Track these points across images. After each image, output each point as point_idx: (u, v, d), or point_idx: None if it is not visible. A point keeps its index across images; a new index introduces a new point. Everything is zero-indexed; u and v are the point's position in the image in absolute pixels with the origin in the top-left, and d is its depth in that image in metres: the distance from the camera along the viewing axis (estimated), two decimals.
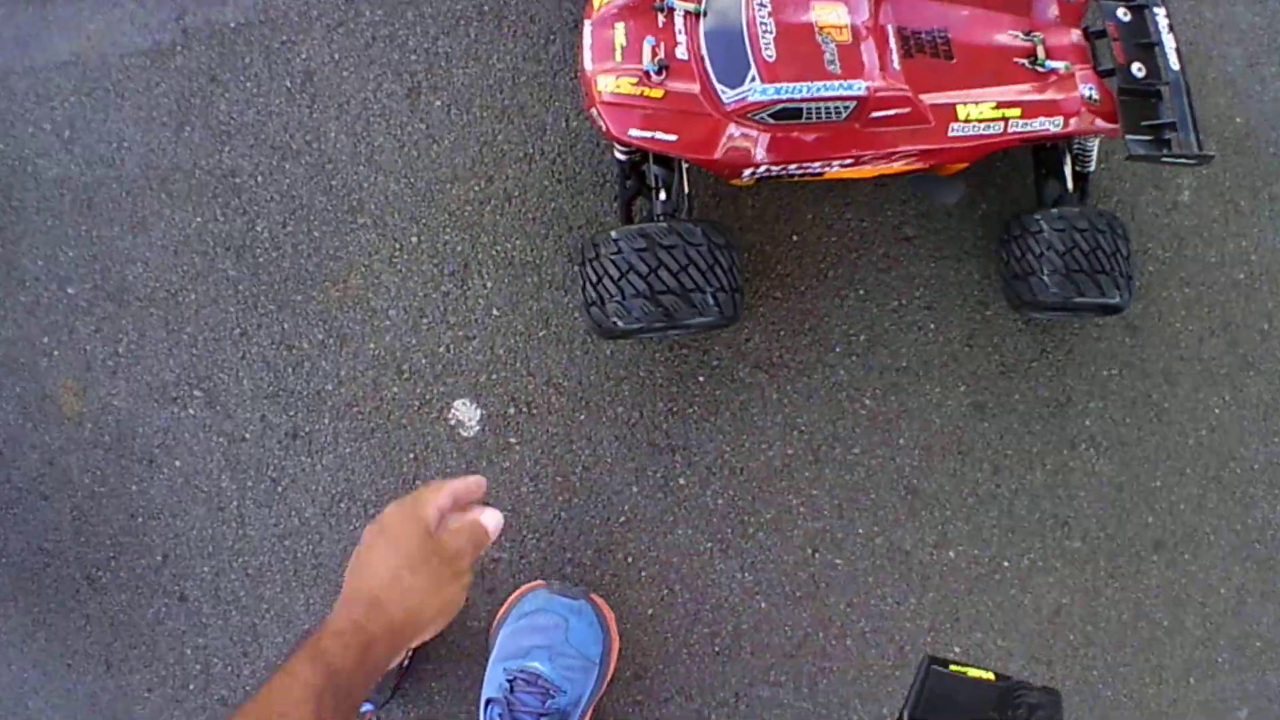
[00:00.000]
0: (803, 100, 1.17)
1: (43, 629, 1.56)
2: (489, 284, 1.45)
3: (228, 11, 1.57)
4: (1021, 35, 1.32)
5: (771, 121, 1.19)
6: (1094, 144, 1.40)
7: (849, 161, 1.28)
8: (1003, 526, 1.39)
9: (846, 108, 1.19)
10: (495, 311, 1.44)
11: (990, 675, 0.80)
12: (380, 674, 0.80)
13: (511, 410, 1.45)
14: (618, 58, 1.19)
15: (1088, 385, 1.46)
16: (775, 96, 1.15)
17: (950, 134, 1.26)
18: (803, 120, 1.20)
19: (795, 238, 1.48)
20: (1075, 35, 1.34)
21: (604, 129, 1.19)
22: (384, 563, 0.85)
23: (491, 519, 1.00)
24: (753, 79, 1.15)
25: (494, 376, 1.44)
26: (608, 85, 1.18)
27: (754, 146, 1.21)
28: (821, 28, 1.17)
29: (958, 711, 0.75)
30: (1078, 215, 1.31)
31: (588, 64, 1.20)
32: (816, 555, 1.40)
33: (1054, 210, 1.33)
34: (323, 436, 1.45)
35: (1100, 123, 1.30)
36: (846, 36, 1.18)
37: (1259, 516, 1.46)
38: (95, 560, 1.54)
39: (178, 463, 1.52)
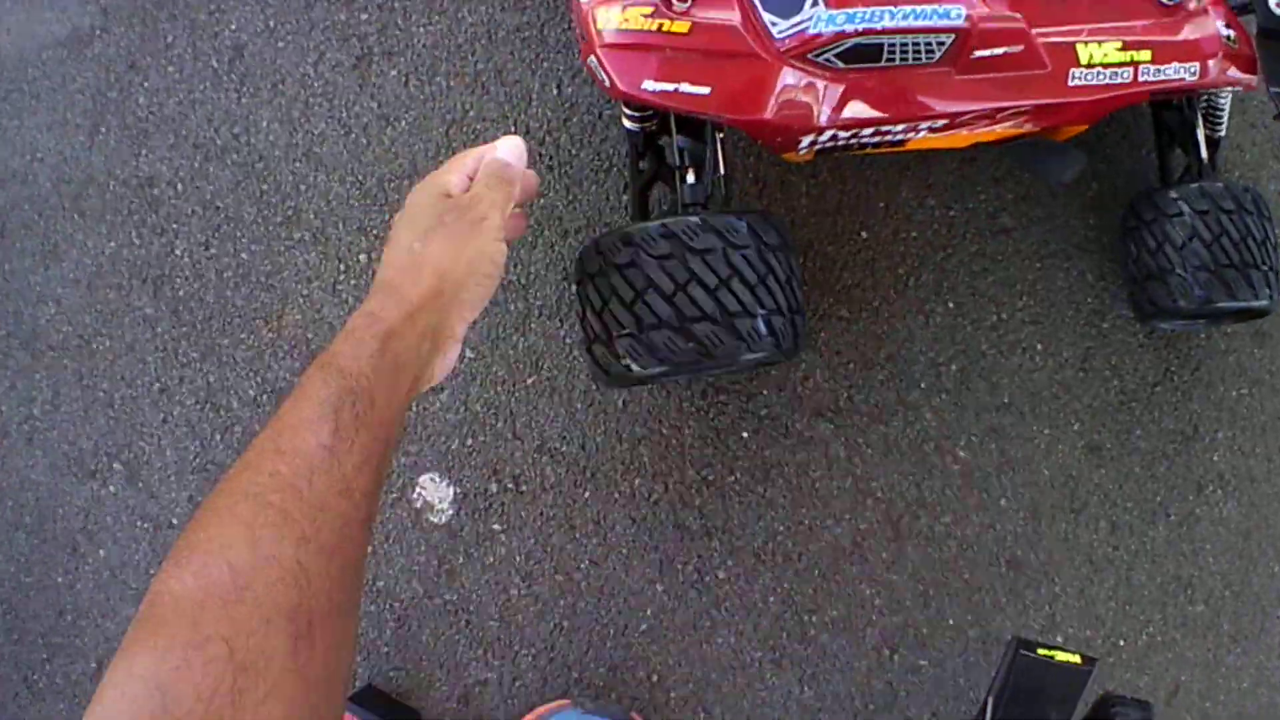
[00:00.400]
0: (885, 32, 0.81)
1: None
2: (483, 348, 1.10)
3: None
4: None
5: (841, 65, 0.85)
6: (1227, 100, 1.08)
7: (941, 124, 0.92)
8: (1119, 598, 1.17)
9: (941, 44, 0.85)
10: (469, 353, 1.09)
11: (1078, 658, 0.77)
12: (413, 373, 0.62)
13: (493, 487, 1.09)
14: None
15: (1215, 410, 1.17)
16: (847, 27, 0.82)
17: (1071, 82, 0.93)
18: (883, 63, 0.86)
19: (864, 235, 1.11)
20: None
21: (607, 83, 0.84)
22: (399, 244, 0.68)
23: (504, 145, 0.73)
24: (815, 2, 0.82)
25: (470, 443, 1.09)
26: (612, 19, 0.83)
27: (817, 102, 0.85)
28: None
29: (1045, 700, 0.74)
30: (1222, 192, 1.00)
31: None
32: (895, 658, 1.06)
33: (1194, 186, 1.02)
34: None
35: (1235, 72, 0.99)
36: None
37: None
38: (30, 662, 1.32)
39: (102, 552, 1.26)
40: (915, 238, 1.11)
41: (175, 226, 1.20)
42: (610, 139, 1.09)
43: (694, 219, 0.84)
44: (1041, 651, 0.77)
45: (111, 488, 1.25)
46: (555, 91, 1.11)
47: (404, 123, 1.13)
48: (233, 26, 1.20)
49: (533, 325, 1.08)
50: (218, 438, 1.19)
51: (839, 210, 1.10)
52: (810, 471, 1.09)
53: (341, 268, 1.13)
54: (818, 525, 1.09)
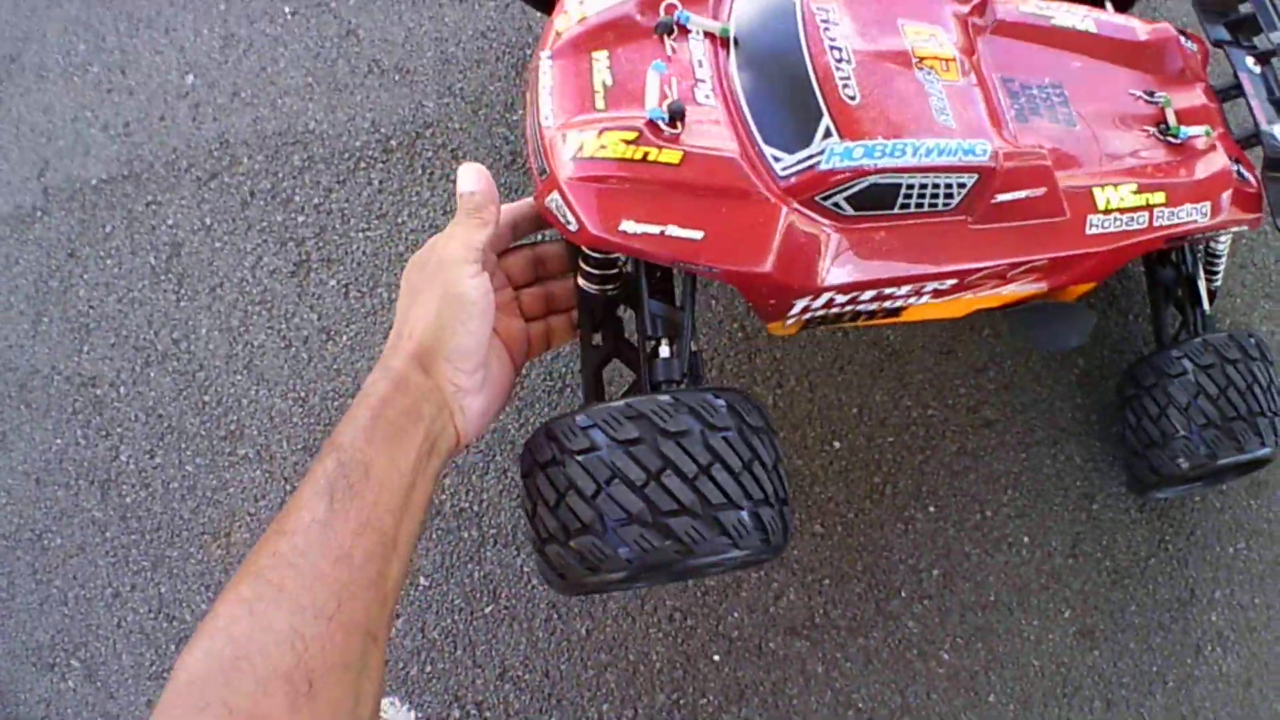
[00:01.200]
0: (907, 169, 0.72)
1: None
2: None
3: (91, 165, 1.21)
4: (1145, 95, 0.90)
5: (850, 211, 0.73)
6: (1226, 245, 1.03)
7: (949, 284, 0.83)
8: None
9: (963, 187, 0.74)
10: (424, 580, 1.04)
11: None
12: (421, 435, 0.64)
13: (456, 713, 1.05)
14: (599, 103, 0.71)
15: (1211, 571, 1.13)
16: (865, 162, 0.70)
17: (1089, 231, 0.84)
18: (897, 209, 0.75)
19: (837, 444, 1.05)
20: (1201, 92, 0.94)
21: (574, 225, 0.69)
22: (396, 320, 0.70)
23: (462, 173, 0.71)
24: (827, 133, 0.70)
25: (429, 669, 1.05)
26: (585, 146, 0.69)
27: (821, 255, 0.74)
28: (921, 58, 0.75)
29: None
30: (1226, 342, 0.94)
31: (547, 117, 0.72)
32: None
33: (1197, 341, 0.95)
34: None
35: (1238, 211, 0.92)
36: (955, 75, 0.75)
37: None
38: None
39: None
40: (892, 443, 1.05)
41: (120, 430, 1.15)
42: (562, 355, 1.03)
43: (665, 398, 0.69)
44: None
45: (70, 682, 1.21)
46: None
47: (345, 337, 1.07)
48: (169, 221, 1.15)
49: (488, 554, 1.03)
50: (173, 647, 1.15)
51: (809, 420, 1.04)
52: (786, 690, 1.04)
53: (288, 488, 1.08)
54: None
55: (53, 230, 1.22)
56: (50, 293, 1.21)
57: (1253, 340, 0.96)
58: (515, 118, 1.13)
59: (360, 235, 1.08)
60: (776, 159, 0.72)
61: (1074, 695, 1.10)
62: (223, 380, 1.10)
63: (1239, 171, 0.91)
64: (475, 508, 1.03)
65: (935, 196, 0.75)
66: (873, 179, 0.72)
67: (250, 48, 1.17)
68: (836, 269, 0.75)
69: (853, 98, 0.71)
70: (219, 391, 1.10)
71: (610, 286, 0.79)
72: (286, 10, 1.18)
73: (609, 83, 0.73)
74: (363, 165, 1.10)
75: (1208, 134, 0.91)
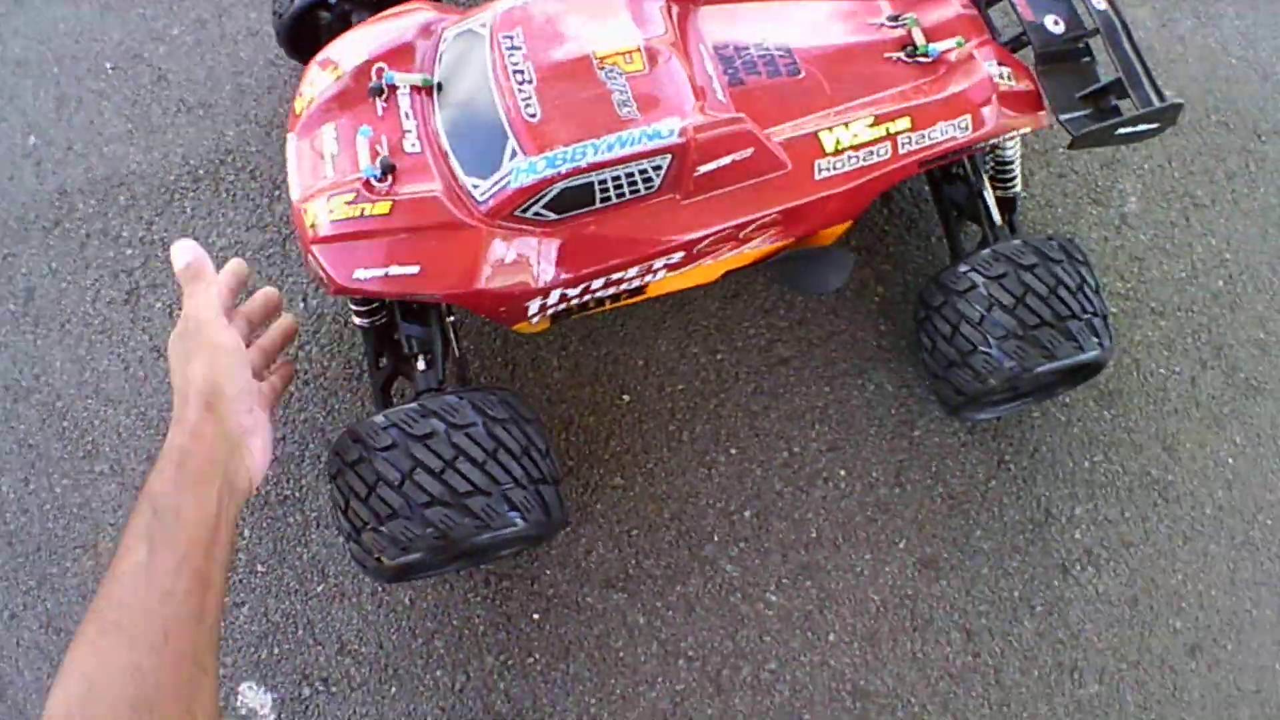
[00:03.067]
0: (591, 168, 0.78)
1: None
2: (247, 532, 1.12)
3: None
4: (888, 21, 0.93)
5: (553, 216, 0.81)
6: (1015, 151, 1.02)
7: (678, 257, 0.89)
8: (993, 702, 1.10)
9: (659, 169, 0.80)
10: (260, 567, 1.11)
11: None
12: (219, 478, 0.77)
13: (306, 690, 1.11)
14: (328, 171, 0.84)
15: (1068, 488, 1.12)
16: (548, 172, 0.78)
17: (818, 176, 0.88)
18: (598, 204, 0.82)
19: (627, 398, 1.09)
20: (958, 5, 0.95)
21: (324, 278, 0.83)
22: (173, 388, 0.85)
23: (173, 251, 0.90)
24: (514, 154, 0.78)
25: (276, 650, 1.11)
26: (321, 212, 0.82)
27: (535, 261, 0.83)
28: (602, 58, 0.80)
29: None
30: (1020, 249, 0.93)
31: (295, 191, 0.85)
32: None
33: (984, 252, 0.95)
34: None
35: (1014, 114, 0.93)
36: (640, 64, 0.80)
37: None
38: None
39: None
40: (683, 390, 1.09)
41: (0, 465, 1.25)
42: (356, 345, 1.10)
43: (411, 406, 0.83)
44: None
45: None
46: (301, 305, 1.13)
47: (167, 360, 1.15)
48: (24, 269, 1.25)
49: (312, 535, 1.09)
50: (63, 658, 1.22)
51: (596, 378, 1.09)
52: (611, 642, 1.08)
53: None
54: (631, 693, 1.08)
55: None
56: None
57: (1054, 243, 0.94)
58: None
59: None
60: (475, 186, 0.81)
61: (926, 627, 1.10)
62: (77, 406, 1.19)
63: (1004, 75, 0.92)
64: (296, 494, 1.10)
65: (634, 184, 0.81)
66: (562, 185, 0.79)
67: (80, 104, 1.28)
68: (550, 268, 0.83)
69: (533, 115, 0.78)
70: (75, 418, 1.19)
71: (377, 318, 0.94)
72: (108, 66, 1.29)
73: (335, 151, 0.84)
74: (177, 196, 1.20)
75: (959, 44, 0.93)
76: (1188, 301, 1.18)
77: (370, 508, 0.83)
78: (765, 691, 1.08)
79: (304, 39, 1.10)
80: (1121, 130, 0.89)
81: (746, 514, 1.09)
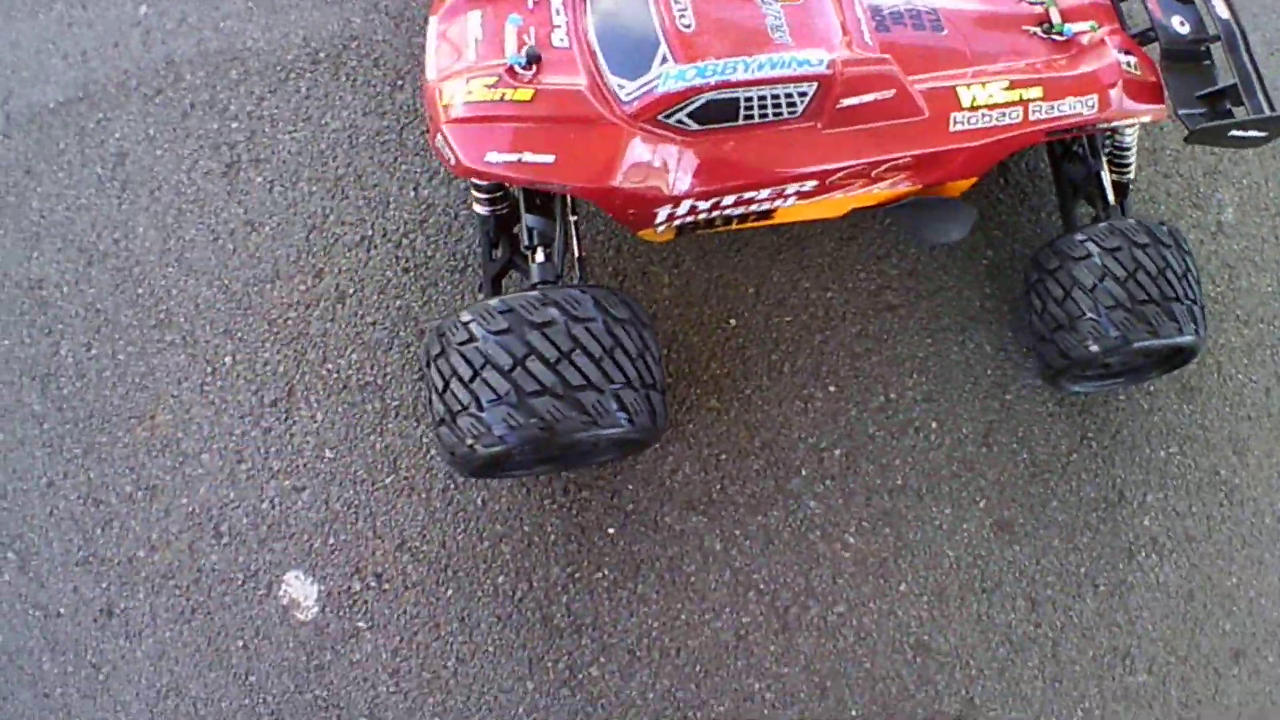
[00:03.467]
0: (740, 83, 0.81)
1: None
2: (319, 414, 1.09)
3: (49, 91, 1.30)
4: None
5: (695, 126, 0.84)
6: (1133, 138, 1.05)
7: (811, 186, 0.90)
8: (1047, 676, 1.12)
9: (804, 95, 0.83)
10: (329, 453, 1.08)
11: None
12: None
13: (356, 585, 1.07)
14: (471, 55, 0.85)
15: (1143, 474, 1.13)
16: (698, 81, 0.81)
17: (953, 128, 0.91)
18: (740, 120, 0.84)
19: (733, 322, 1.08)
20: None
21: (452, 159, 0.83)
22: None
23: None
24: (664, 59, 0.81)
25: (331, 541, 1.08)
26: (458, 93, 0.83)
27: (671, 168, 0.84)
28: None
29: None
30: (1135, 228, 0.97)
31: (431, 71, 0.86)
32: None
33: (1102, 225, 0.98)
34: (139, 615, 1.15)
35: (1134, 103, 0.96)
36: None
37: None
38: None
39: (1, 636, 1.23)
40: (789, 322, 1.08)
41: (61, 326, 1.22)
42: (465, 239, 1.09)
43: (533, 293, 0.84)
44: None
45: (5, 576, 1.24)
46: (413, 194, 1.12)
47: (268, 228, 1.14)
48: (117, 134, 1.23)
49: (389, 425, 1.07)
50: (99, 531, 1.19)
51: (705, 299, 1.08)
52: (684, 566, 1.05)
53: (209, 370, 1.13)
54: (696, 620, 1.05)
55: (11, 152, 1.31)
56: (5, 207, 1.29)
57: (1164, 228, 0.98)
58: None
59: (286, 136, 1.16)
60: (621, 86, 0.83)
61: (994, 591, 1.09)
62: (155, 273, 1.17)
63: (1130, 64, 0.95)
64: (379, 380, 1.07)
65: (778, 106, 0.84)
66: (709, 96, 0.81)
67: None
68: (686, 178, 0.85)
69: (688, 26, 0.81)
70: (152, 284, 1.17)
71: (499, 207, 0.94)
72: None
73: (479, 37, 0.86)
74: (293, 76, 1.19)
75: (1093, 28, 0.96)
76: (1271, 315, 1.21)
77: (472, 391, 0.81)
78: (830, 634, 1.06)
79: None
80: (1234, 132, 0.93)
81: (836, 452, 1.07)
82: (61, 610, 1.21)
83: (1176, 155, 1.23)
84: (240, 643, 1.12)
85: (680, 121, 0.83)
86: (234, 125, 1.18)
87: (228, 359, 1.13)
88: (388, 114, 1.15)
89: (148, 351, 1.16)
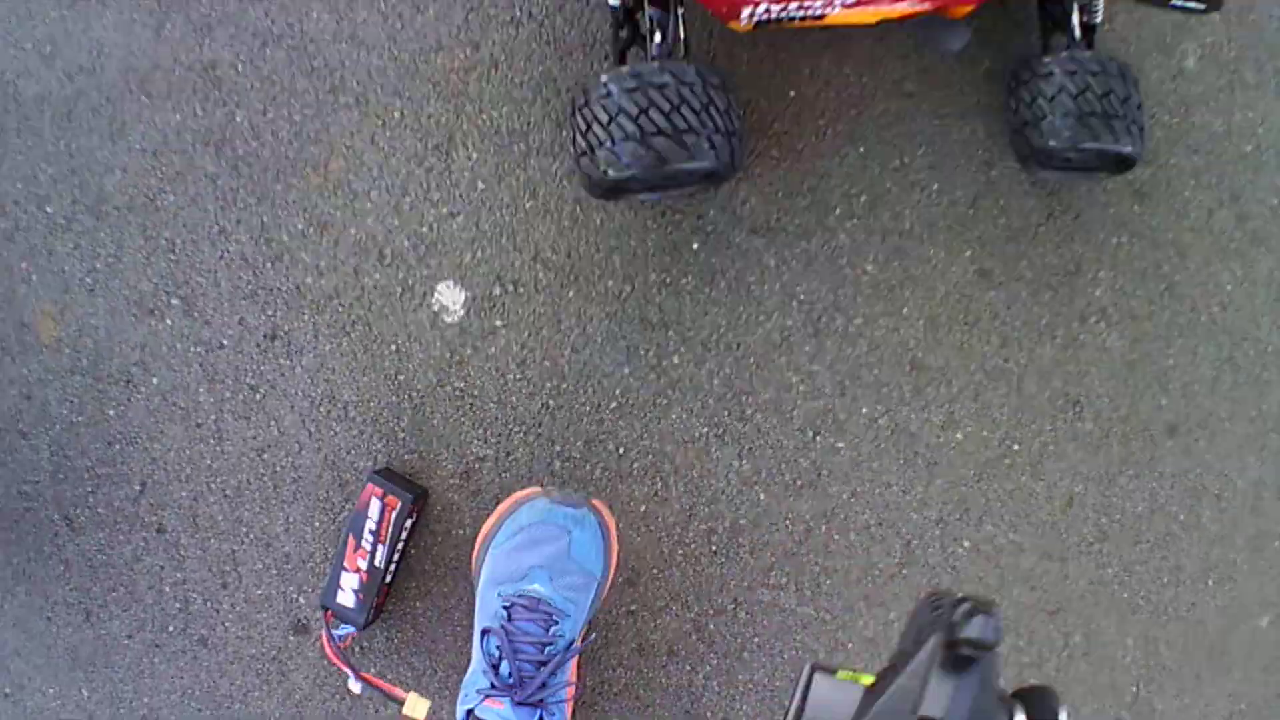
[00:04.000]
0: None
1: (23, 582, 1.51)
2: (474, 155, 1.39)
3: None
4: None
5: None
6: None
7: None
8: (1012, 405, 1.40)
9: None
10: (481, 185, 1.38)
11: (870, 679, 0.72)
12: None
13: (497, 290, 1.37)
14: None
15: (1096, 253, 1.41)
16: None
17: None
18: None
19: (793, 93, 1.40)
20: None
21: None
22: None
23: None
24: None
25: (479, 255, 1.37)
26: None
27: None
28: None
29: None
30: (1090, 59, 1.27)
31: None
32: (818, 439, 1.32)
33: (1064, 54, 1.28)
34: (302, 335, 1.40)
35: None
36: None
37: (1274, 403, 1.36)
38: (73, 498, 1.49)
39: (155, 379, 1.47)
40: (833, 97, 1.40)
41: (236, 99, 1.47)
42: (595, 21, 1.39)
43: (653, 64, 1.14)
44: (841, 675, 0.73)
45: (169, 321, 1.46)
46: None
47: (431, 10, 1.42)
48: None
49: (531, 162, 1.36)
50: (269, 266, 1.45)
51: (772, 76, 1.39)
52: (746, 277, 1.37)
53: (379, 123, 1.41)
54: (752, 321, 1.36)
55: None
56: (173, 4, 1.52)
57: (1115, 63, 1.30)
58: None
59: None
60: None
61: (974, 325, 1.41)
62: (329, 49, 1.44)
63: None
64: (523, 128, 1.37)
65: None
66: None
67: None
68: None
69: None
70: (326, 59, 1.44)
71: (628, 1, 1.23)
72: None
73: None
74: None
75: None
76: (1218, 149, 1.48)
77: (609, 132, 1.12)
78: (849, 342, 1.38)
79: None
80: (1174, 3, 1.23)
81: (863, 199, 1.39)
82: (225, 342, 1.44)
83: (1153, 11, 1.53)
84: (393, 348, 1.40)
85: None
86: None
87: (396, 114, 1.41)
88: None
89: (322, 112, 1.43)
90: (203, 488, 1.44)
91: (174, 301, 1.48)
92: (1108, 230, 1.44)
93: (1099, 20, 1.39)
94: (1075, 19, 1.36)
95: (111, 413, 1.47)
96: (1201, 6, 1.24)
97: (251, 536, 1.43)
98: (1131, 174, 1.41)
